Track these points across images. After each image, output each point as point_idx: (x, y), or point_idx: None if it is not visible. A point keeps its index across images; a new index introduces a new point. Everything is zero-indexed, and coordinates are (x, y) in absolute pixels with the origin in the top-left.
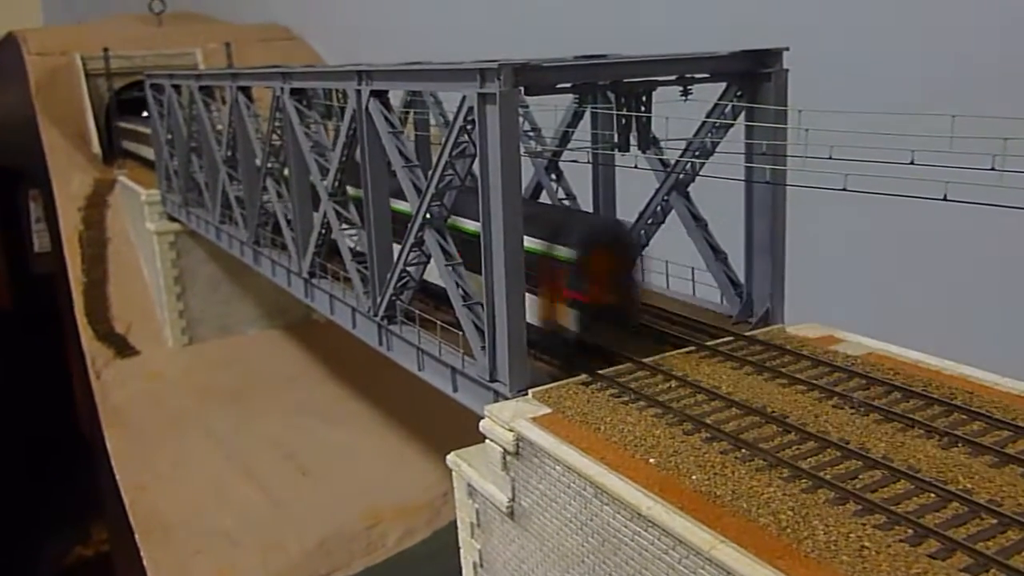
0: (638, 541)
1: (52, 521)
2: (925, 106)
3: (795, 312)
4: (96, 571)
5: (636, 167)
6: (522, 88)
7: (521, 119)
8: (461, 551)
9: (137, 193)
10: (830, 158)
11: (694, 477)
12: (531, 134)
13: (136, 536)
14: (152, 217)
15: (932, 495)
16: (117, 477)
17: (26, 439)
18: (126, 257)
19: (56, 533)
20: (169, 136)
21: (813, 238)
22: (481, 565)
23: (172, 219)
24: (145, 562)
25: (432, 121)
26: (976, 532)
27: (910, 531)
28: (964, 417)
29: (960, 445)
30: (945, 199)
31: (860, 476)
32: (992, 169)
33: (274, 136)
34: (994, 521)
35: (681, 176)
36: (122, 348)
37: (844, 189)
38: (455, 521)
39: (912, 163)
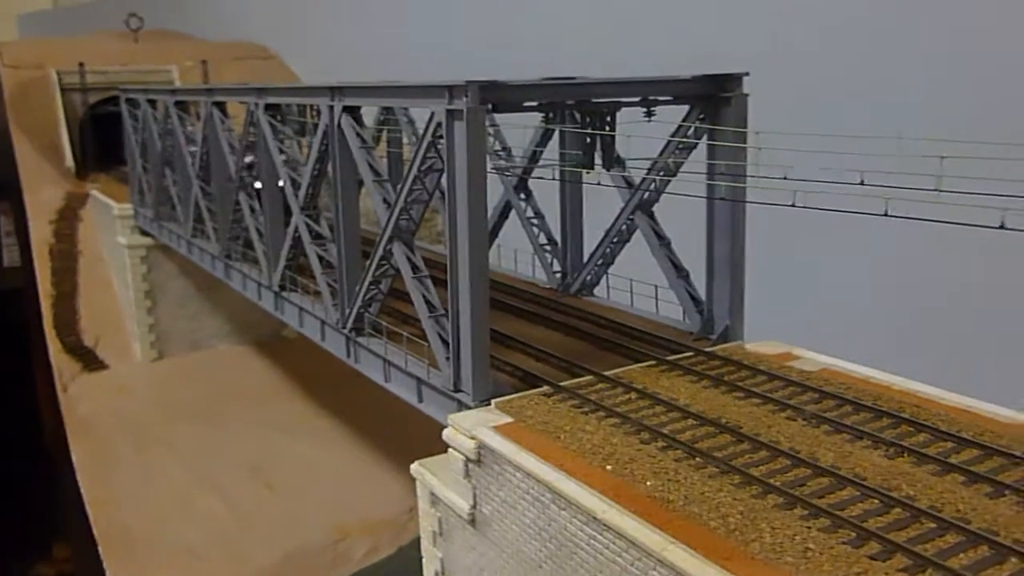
0: (593, 545)
1: (13, 538)
2: (874, 129)
3: (755, 330)
4: None
5: (599, 184)
6: (489, 105)
7: (492, 138)
8: (423, 560)
9: (109, 207)
10: (784, 178)
11: (648, 483)
12: (501, 153)
13: (100, 550)
14: (124, 231)
15: (876, 501)
16: (82, 491)
17: None
18: (97, 271)
19: (17, 551)
20: (143, 150)
21: (774, 258)
22: (442, 573)
23: (144, 233)
24: None
25: (405, 140)
26: (916, 535)
27: (853, 534)
28: (911, 429)
29: (906, 455)
30: (886, 215)
31: (808, 483)
32: (935, 190)
33: (247, 151)
34: (933, 525)
35: (646, 195)
36: (90, 362)
37: (793, 205)
38: (420, 537)
39: (862, 183)
